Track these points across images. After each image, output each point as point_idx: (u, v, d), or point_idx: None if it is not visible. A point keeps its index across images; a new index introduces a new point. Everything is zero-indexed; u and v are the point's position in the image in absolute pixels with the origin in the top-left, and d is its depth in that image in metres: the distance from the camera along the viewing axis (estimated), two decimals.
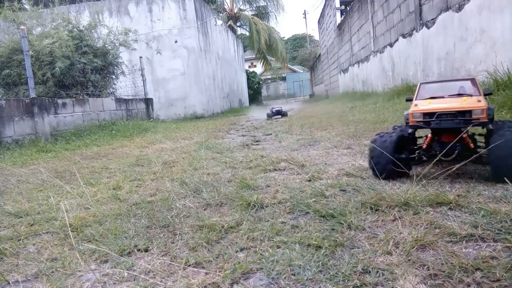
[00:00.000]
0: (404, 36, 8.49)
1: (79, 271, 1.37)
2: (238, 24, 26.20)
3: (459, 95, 2.19)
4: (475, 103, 2.01)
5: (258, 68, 34.52)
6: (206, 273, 1.24)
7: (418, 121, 2.10)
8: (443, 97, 2.21)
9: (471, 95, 2.13)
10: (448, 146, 1.96)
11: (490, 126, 2.11)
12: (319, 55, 28.21)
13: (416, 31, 7.66)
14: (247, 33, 25.82)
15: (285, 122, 7.20)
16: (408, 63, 8.47)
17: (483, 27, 5.07)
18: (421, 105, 2.14)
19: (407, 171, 2.14)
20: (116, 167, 3.50)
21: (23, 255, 1.57)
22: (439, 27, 6.53)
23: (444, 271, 1.11)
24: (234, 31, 23.83)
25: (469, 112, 1.95)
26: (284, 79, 42.04)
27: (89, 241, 1.63)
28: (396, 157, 2.08)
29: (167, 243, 1.53)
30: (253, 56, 28.04)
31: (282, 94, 40.91)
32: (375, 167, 2.16)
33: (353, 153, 3.11)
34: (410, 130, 2.22)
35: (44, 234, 1.81)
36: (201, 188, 2.31)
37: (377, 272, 1.15)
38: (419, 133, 2.43)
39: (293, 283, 1.13)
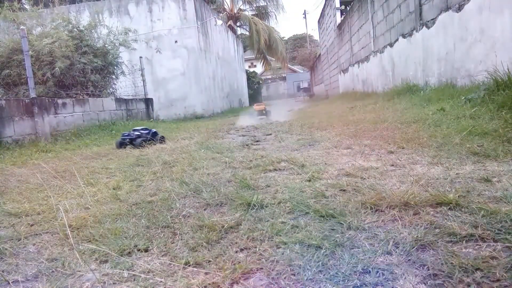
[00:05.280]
0: (404, 36, 8.49)
1: (79, 271, 1.37)
2: (238, 24, 26.21)
3: None
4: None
5: (258, 68, 34.53)
6: (206, 273, 1.24)
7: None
8: None
9: None
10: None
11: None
12: (319, 55, 28.21)
13: (416, 31, 7.65)
14: (247, 33, 25.83)
15: (285, 122, 7.20)
16: (408, 63, 8.47)
17: (483, 27, 5.07)
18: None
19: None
20: (116, 167, 3.50)
21: (23, 255, 1.57)
22: (439, 27, 6.53)
23: (444, 271, 1.11)
24: (234, 31, 23.83)
25: None
26: (284, 79, 42.06)
27: (89, 241, 1.63)
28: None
29: (167, 243, 1.53)
30: (253, 56, 28.05)
31: (282, 94, 40.91)
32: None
33: (353, 153, 3.11)
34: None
35: (44, 234, 1.81)
36: (201, 188, 2.31)
37: (377, 272, 1.15)
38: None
39: (293, 283, 1.13)
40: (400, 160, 2.60)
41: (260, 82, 33.49)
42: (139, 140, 5.27)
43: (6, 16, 7.77)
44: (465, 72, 5.70)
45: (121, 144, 5.31)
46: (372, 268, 1.16)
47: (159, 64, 13.46)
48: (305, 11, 69.61)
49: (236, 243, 1.46)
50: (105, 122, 8.26)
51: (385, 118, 5.02)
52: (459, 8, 5.68)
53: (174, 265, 1.33)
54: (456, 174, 2.12)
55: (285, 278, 1.16)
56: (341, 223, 1.54)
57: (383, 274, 1.13)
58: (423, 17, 7.29)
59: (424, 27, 7.20)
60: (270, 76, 40.94)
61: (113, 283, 1.26)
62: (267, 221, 1.66)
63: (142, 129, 5.56)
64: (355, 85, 14.83)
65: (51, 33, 7.67)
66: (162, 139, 5.57)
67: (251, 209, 1.82)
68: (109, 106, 8.73)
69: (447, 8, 6.15)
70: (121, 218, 1.90)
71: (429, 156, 2.61)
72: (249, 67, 35.95)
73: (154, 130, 5.68)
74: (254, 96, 28.36)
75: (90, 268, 1.37)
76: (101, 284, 1.25)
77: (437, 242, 1.30)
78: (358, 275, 1.14)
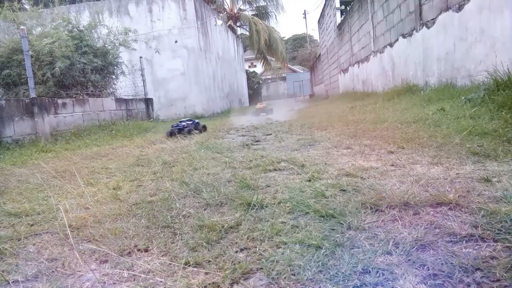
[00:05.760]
0: (404, 36, 8.49)
1: (79, 271, 1.37)
2: (238, 24, 26.23)
3: None
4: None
5: (258, 68, 34.56)
6: (206, 273, 1.24)
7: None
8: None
9: None
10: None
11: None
12: (319, 55, 28.20)
13: (416, 31, 7.66)
14: (247, 33, 25.83)
15: (285, 122, 7.20)
16: (408, 63, 8.47)
17: (483, 27, 5.07)
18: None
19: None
20: (116, 167, 3.50)
21: (23, 255, 1.57)
22: (439, 27, 6.53)
23: (444, 271, 1.11)
24: (234, 31, 23.84)
25: None
26: (284, 79, 42.07)
27: (89, 241, 1.63)
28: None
29: (167, 243, 1.53)
30: (253, 56, 28.07)
31: (282, 94, 40.94)
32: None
33: (353, 153, 3.11)
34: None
35: (44, 234, 1.81)
36: (201, 188, 2.31)
37: (377, 272, 1.15)
38: None
39: (293, 283, 1.13)
40: (400, 160, 2.60)
41: (260, 82, 33.52)
42: (186, 129, 6.25)
43: (6, 16, 7.77)
44: (465, 72, 5.70)
45: (171, 134, 6.14)
46: (372, 268, 1.16)
47: (159, 64, 13.46)
48: (305, 11, 69.69)
49: (236, 243, 1.46)
50: (105, 122, 8.26)
51: (385, 118, 5.02)
52: (459, 8, 5.68)
53: (174, 265, 1.33)
54: (456, 174, 2.11)
55: (285, 278, 1.16)
56: (341, 223, 1.54)
57: (383, 274, 1.13)
58: (423, 17, 7.29)
59: (424, 27, 7.20)
60: (270, 76, 40.96)
61: (113, 283, 1.26)
62: (267, 221, 1.65)
63: (187, 120, 6.74)
64: (355, 85, 14.83)
65: (51, 33, 7.68)
66: (204, 128, 6.83)
67: (251, 209, 1.82)
68: (109, 106, 8.73)
69: (447, 8, 6.15)
70: (121, 218, 1.90)
71: (429, 156, 2.61)
72: (249, 67, 35.95)
73: (197, 121, 6.87)
74: (254, 96, 28.39)
75: (90, 268, 1.37)
76: (101, 284, 1.26)
77: (437, 242, 1.30)
78: (358, 275, 1.14)
